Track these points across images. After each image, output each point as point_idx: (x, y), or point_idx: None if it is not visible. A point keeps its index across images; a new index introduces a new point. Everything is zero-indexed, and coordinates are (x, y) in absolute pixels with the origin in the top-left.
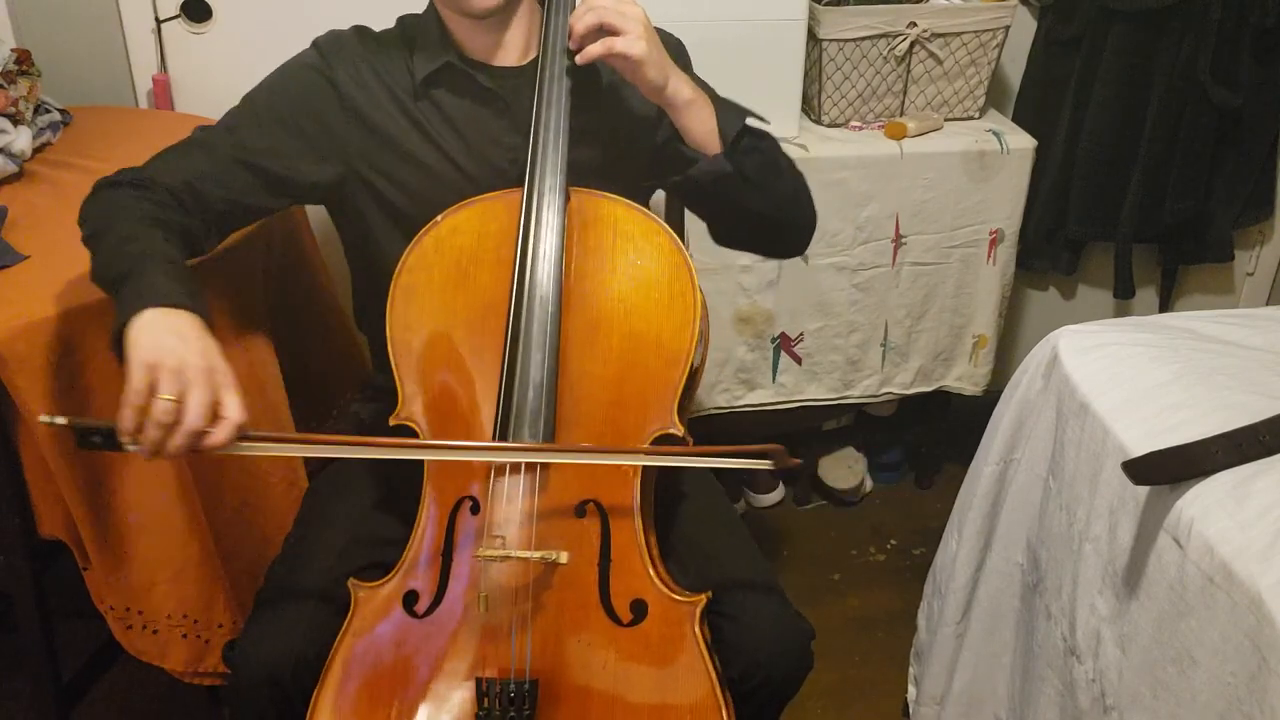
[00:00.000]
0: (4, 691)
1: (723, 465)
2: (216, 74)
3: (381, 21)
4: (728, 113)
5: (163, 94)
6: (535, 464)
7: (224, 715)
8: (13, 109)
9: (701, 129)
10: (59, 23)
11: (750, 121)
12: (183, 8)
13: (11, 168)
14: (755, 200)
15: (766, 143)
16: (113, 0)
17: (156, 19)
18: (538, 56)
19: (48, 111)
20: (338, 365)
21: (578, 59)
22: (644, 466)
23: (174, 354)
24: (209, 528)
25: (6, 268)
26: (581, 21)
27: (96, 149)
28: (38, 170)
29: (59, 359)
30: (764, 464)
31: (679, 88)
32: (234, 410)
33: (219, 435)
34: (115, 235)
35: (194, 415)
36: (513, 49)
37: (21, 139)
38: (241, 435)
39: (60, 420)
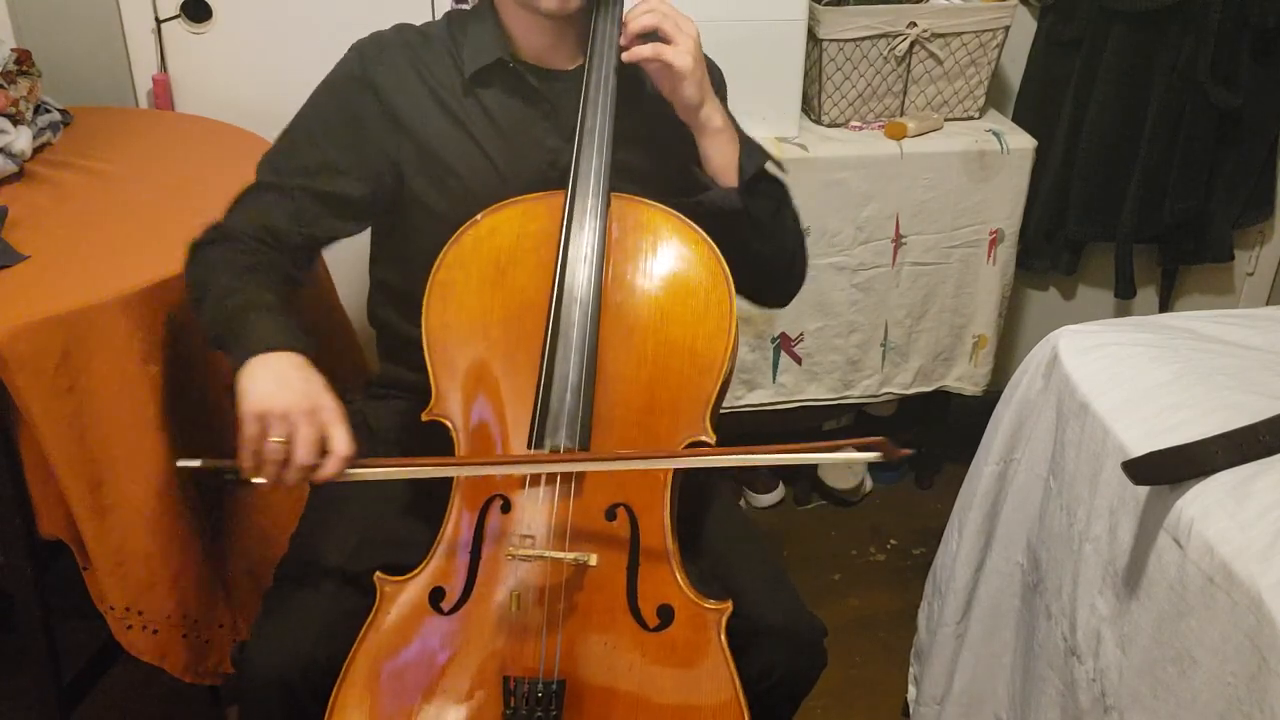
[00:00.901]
0: (5, 691)
1: (832, 459)
2: (216, 74)
3: (382, 21)
4: (750, 152)
5: (163, 94)
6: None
7: (225, 716)
8: (13, 109)
9: (722, 159)
10: (59, 23)
11: (769, 166)
12: (183, 8)
13: (11, 168)
14: (756, 242)
15: (779, 191)
16: (113, 0)
17: (156, 19)
18: (585, 62)
19: (48, 111)
20: (339, 365)
21: (624, 55)
22: (676, 470)
23: (278, 400)
24: (209, 528)
25: (6, 268)
26: (638, 20)
27: (96, 149)
28: (38, 170)
29: (59, 359)
30: (873, 456)
31: (712, 113)
32: (340, 445)
33: (328, 469)
34: (214, 294)
35: (302, 454)
36: (565, 53)
37: (21, 139)
38: (351, 464)
39: (194, 463)
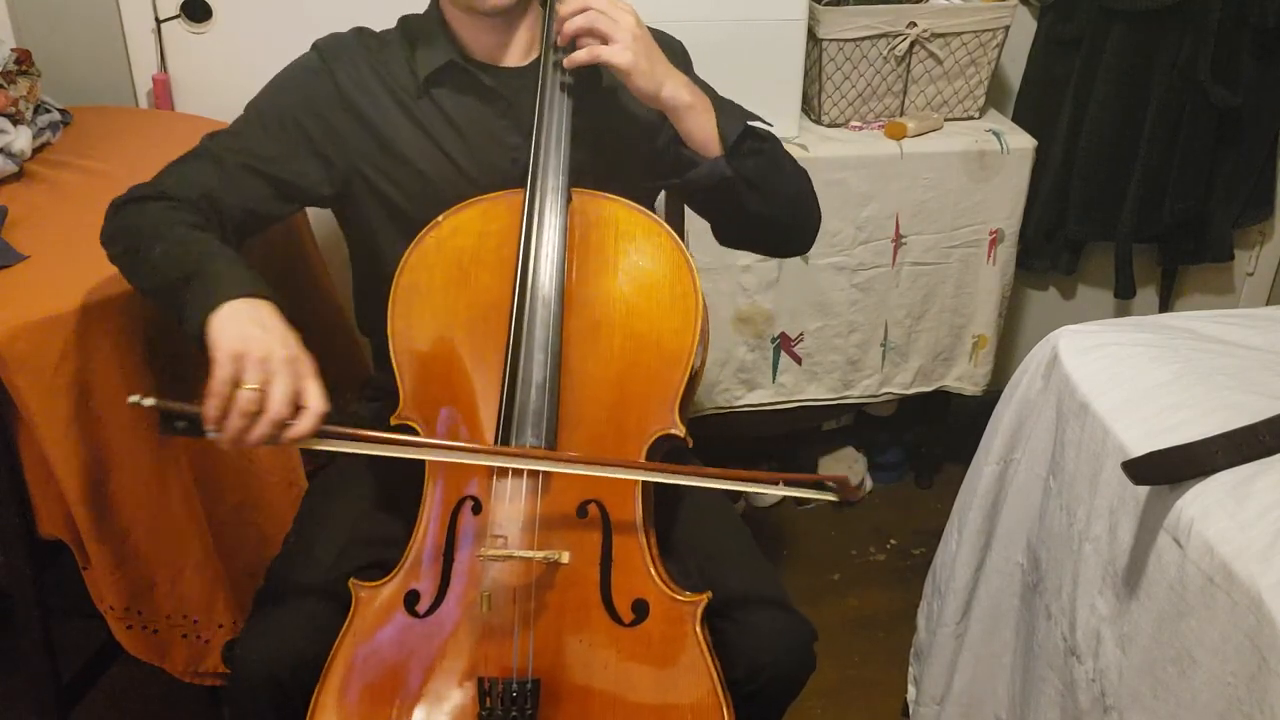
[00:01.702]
0: (4, 691)
1: (786, 494)
2: (216, 74)
3: (381, 22)
4: (729, 115)
5: (163, 94)
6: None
7: (224, 715)
8: (13, 109)
9: (701, 133)
10: (59, 23)
11: (752, 124)
12: (183, 8)
13: (11, 168)
14: (756, 203)
15: (769, 145)
16: (113, 0)
17: (156, 19)
18: (539, 57)
19: (48, 111)
20: (338, 365)
21: (564, 62)
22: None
23: (259, 343)
24: (209, 528)
25: (6, 268)
26: (571, 23)
27: (96, 149)
28: (38, 170)
29: (59, 359)
30: (827, 496)
31: (676, 92)
32: (315, 400)
33: (301, 425)
34: (166, 241)
35: (278, 404)
36: (516, 49)
37: (21, 139)
38: (320, 431)
39: (148, 402)
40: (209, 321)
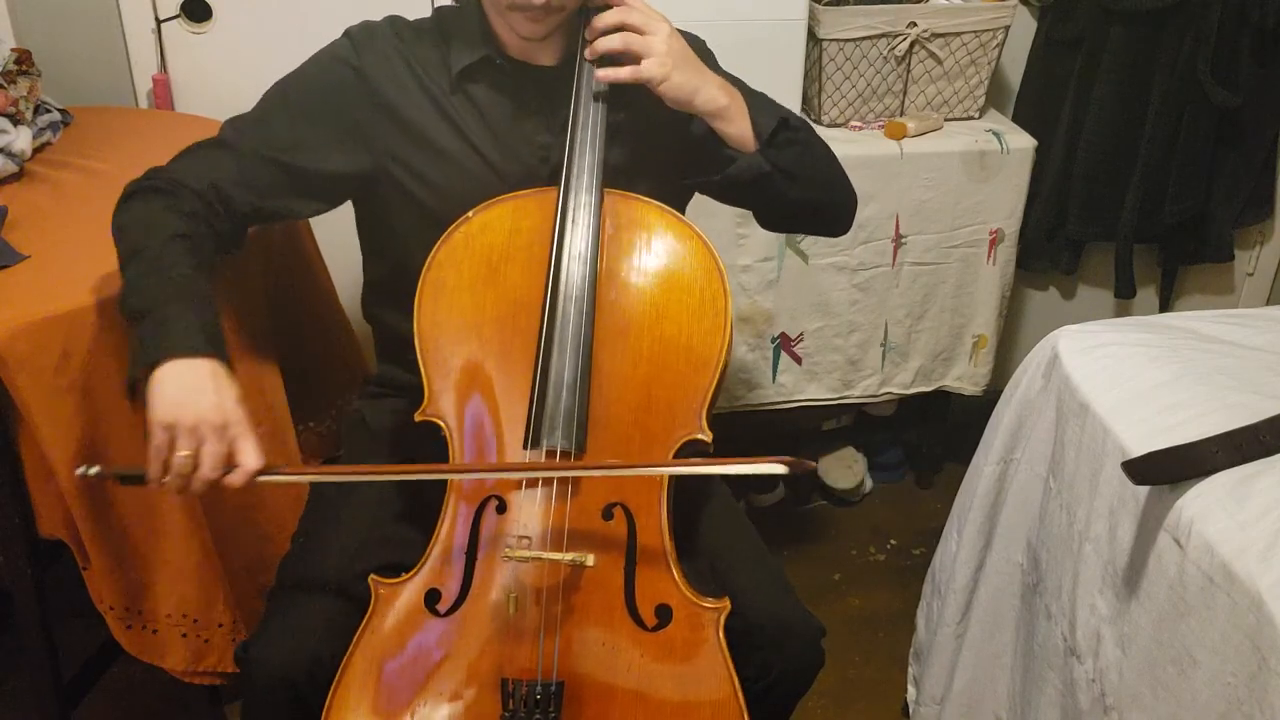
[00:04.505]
0: (4, 691)
1: (739, 472)
2: (216, 74)
3: (379, 18)
4: (761, 109)
5: (163, 94)
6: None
7: (224, 715)
8: (13, 109)
9: (738, 131)
10: (59, 23)
11: (785, 115)
12: (183, 8)
13: (12, 168)
14: (795, 191)
15: (802, 133)
16: (113, 0)
17: (156, 19)
18: (573, 56)
19: (48, 111)
20: (337, 365)
21: (599, 74)
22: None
23: (190, 412)
24: (209, 527)
25: (6, 268)
26: (605, 41)
27: (96, 149)
28: (38, 170)
29: (59, 359)
30: (779, 470)
31: (711, 96)
32: (249, 459)
33: (235, 480)
34: (143, 259)
35: (208, 469)
36: (552, 50)
37: (21, 139)
38: (260, 473)
39: (93, 471)
40: (149, 383)
